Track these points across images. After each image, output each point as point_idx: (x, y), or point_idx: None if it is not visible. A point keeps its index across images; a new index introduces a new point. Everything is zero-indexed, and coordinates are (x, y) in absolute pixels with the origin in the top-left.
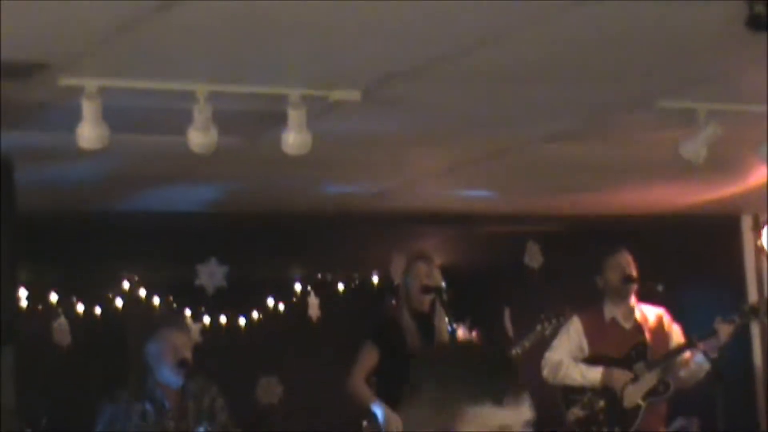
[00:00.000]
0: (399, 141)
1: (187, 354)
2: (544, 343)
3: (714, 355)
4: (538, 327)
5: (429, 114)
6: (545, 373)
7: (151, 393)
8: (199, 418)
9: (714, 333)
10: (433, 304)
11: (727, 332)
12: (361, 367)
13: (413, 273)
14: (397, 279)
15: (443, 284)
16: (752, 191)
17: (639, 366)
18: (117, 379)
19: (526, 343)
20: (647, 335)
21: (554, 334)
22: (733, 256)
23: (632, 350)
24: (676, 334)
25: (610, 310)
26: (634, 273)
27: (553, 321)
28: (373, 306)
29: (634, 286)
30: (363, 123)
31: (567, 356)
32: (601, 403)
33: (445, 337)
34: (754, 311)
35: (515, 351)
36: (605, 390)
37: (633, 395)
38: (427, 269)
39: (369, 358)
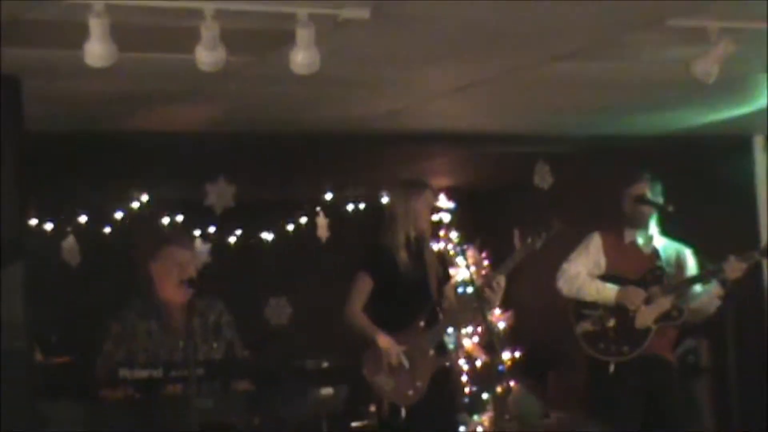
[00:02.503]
0: (409, 60)
1: (193, 273)
2: (539, 257)
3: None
4: (528, 240)
5: (439, 32)
6: (560, 283)
7: (157, 311)
8: (205, 335)
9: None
10: (424, 231)
11: (740, 270)
12: (356, 297)
13: (402, 199)
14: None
15: (443, 208)
16: (764, 111)
17: (654, 289)
18: (125, 298)
19: (517, 258)
20: (664, 263)
21: (543, 248)
22: (744, 176)
23: (648, 273)
24: (692, 269)
25: (630, 233)
26: (649, 196)
27: (543, 234)
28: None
29: (650, 209)
30: (372, 41)
31: (584, 270)
32: (612, 321)
33: (435, 262)
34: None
35: (505, 268)
36: (618, 308)
37: (645, 317)
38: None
39: (363, 287)
